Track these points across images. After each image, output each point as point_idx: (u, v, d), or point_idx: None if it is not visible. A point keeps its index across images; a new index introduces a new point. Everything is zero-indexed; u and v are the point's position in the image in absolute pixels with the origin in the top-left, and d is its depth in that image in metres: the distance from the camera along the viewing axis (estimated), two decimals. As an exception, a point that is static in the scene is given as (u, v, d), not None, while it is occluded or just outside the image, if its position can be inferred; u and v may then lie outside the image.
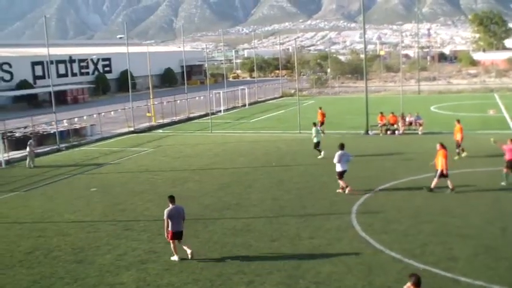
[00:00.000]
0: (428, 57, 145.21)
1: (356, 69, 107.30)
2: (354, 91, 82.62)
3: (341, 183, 23.27)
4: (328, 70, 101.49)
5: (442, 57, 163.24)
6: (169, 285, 14.52)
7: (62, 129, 42.66)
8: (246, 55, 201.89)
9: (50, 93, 49.53)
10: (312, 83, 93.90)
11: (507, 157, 23.49)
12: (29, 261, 16.90)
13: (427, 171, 26.41)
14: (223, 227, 19.35)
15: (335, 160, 23.13)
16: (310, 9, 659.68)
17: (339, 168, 23.14)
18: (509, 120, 43.16)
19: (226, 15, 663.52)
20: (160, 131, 48.18)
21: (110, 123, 51.19)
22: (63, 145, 39.86)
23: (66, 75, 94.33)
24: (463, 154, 29.36)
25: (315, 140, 31.42)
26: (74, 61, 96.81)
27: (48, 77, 65.34)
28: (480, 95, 67.91)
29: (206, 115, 52.83)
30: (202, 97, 65.78)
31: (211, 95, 56.52)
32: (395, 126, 38.98)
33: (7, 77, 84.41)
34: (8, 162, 34.56)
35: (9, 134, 39.41)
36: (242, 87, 69.92)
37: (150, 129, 49.10)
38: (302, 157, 31.42)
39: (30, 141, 33.71)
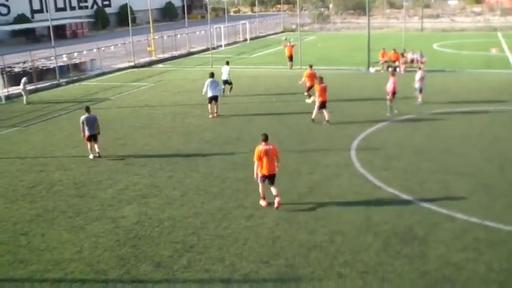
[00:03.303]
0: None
1: (358, 5, 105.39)
2: (356, 27, 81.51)
3: (209, 107, 26.40)
4: (331, 5, 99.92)
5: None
6: (170, 218, 14.73)
7: (61, 64, 42.28)
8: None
9: (48, 27, 48.90)
10: (314, 18, 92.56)
11: (389, 90, 25.39)
12: (32, 195, 17.08)
13: (429, 108, 26.46)
14: (224, 162, 19.48)
15: (204, 88, 26.44)
16: None
17: (209, 94, 26.13)
18: (511, 59, 42.82)
19: None
20: (161, 65, 47.84)
21: (110, 58, 50.77)
22: (63, 80, 39.63)
23: (64, 9, 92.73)
24: (309, 100, 28.43)
25: (223, 78, 31.16)
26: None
27: (46, 11, 64.34)
28: (483, 33, 67.03)
29: (207, 50, 52.35)
30: (203, 32, 64.99)
31: (212, 30, 55.80)
32: (396, 63, 38.68)
33: (4, 10, 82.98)
34: (8, 97, 34.38)
35: (8, 69, 39.09)
36: (243, 21, 69.02)
37: (151, 64, 48.73)
38: (302, 93, 31.30)
39: (24, 78, 33.25)
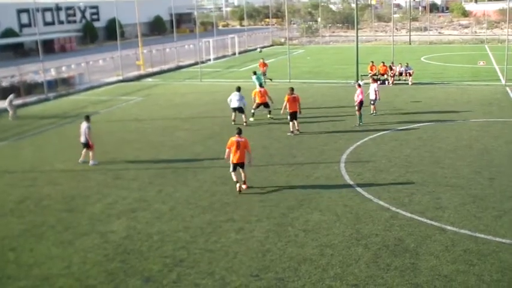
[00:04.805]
0: (420, 8, 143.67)
1: (347, 19, 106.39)
2: (344, 40, 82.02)
3: (233, 115, 27.54)
4: (319, 19, 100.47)
5: (434, 8, 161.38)
6: (160, 233, 14.64)
7: (49, 78, 42.13)
8: (236, 3, 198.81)
9: (36, 41, 48.76)
10: (302, 32, 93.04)
11: (358, 100, 25.99)
12: (20, 210, 16.93)
13: (417, 121, 26.58)
14: (213, 176, 19.42)
15: (228, 99, 27.72)
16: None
17: (232, 105, 27.38)
18: (499, 71, 43.13)
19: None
20: (150, 79, 47.80)
21: (99, 72, 50.63)
22: (51, 94, 39.48)
23: (53, 23, 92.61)
24: (252, 118, 28.71)
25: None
26: (60, 9, 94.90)
27: (35, 25, 64.14)
28: (471, 46, 67.65)
29: (196, 64, 52.38)
30: (191, 45, 65.12)
31: (200, 44, 55.88)
32: (385, 76, 38.89)
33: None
34: (-4, 111, 34.19)
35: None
36: (232, 35, 69.20)
37: (139, 78, 48.66)
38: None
39: (12, 95, 32.96)
